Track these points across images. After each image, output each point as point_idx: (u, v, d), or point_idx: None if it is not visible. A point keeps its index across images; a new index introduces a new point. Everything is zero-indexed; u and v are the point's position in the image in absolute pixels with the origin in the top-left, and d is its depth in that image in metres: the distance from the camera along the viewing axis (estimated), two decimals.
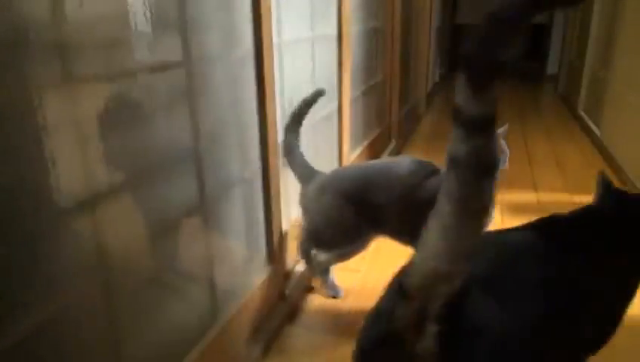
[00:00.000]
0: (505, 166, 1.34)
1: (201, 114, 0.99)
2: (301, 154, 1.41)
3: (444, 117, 4.02)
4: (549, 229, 0.83)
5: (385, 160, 1.39)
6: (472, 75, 0.51)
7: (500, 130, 1.35)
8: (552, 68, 5.71)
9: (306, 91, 1.63)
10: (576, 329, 0.74)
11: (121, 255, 0.79)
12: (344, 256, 1.46)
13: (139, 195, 0.84)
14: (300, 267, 1.56)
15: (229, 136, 1.12)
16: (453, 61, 6.63)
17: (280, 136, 1.39)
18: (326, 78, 1.80)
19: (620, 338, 1.09)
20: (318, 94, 1.39)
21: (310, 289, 1.52)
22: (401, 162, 1.33)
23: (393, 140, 2.98)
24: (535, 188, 2.38)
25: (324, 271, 1.49)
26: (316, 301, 1.48)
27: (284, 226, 1.46)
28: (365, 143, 2.41)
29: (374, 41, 2.48)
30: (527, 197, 2.26)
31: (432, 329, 0.61)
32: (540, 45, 6.60)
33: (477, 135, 0.52)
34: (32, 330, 0.64)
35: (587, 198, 2.40)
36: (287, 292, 1.42)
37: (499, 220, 2.02)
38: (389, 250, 1.76)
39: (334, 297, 1.48)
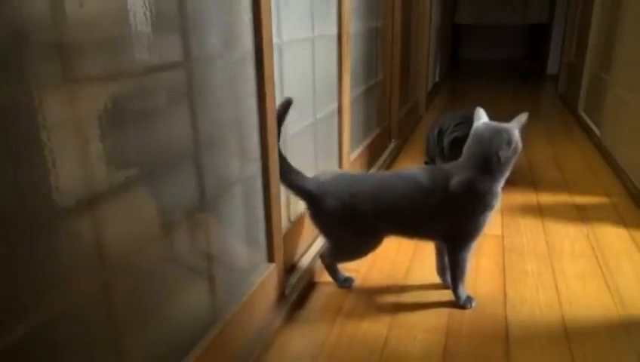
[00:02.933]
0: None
1: (201, 114, 0.99)
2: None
3: None
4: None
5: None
6: None
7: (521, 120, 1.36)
8: (552, 68, 5.71)
9: (306, 91, 1.63)
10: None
11: (121, 254, 0.80)
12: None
13: (139, 195, 0.84)
14: (300, 266, 1.56)
15: (229, 136, 1.12)
16: (454, 61, 6.64)
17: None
18: (326, 78, 1.81)
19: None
20: (287, 105, 1.33)
21: (310, 288, 1.53)
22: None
23: (393, 140, 2.98)
24: (535, 188, 2.38)
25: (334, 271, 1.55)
26: (316, 300, 1.48)
27: (284, 225, 1.46)
28: (365, 143, 2.41)
29: (374, 41, 2.48)
30: (527, 197, 2.26)
31: None
32: (540, 45, 6.61)
33: None
34: (32, 330, 0.64)
35: (587, 198, 2.41)
36: (287, 290, 1.43)
37: (499, 220, 2.02)
38: (389, 250, 1.77)
39: (349, 287, 1.54)
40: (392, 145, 2.93)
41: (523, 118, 1.34)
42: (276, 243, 1.35)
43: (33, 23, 0.62)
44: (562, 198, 2.25)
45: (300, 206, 1.62)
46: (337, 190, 1.42)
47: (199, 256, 1.04)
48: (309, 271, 1.55)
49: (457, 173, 1.34)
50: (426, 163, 2.72)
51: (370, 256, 1.72)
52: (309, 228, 1.69)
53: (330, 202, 1.40)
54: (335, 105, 1.92)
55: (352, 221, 1.41)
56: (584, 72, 3.71)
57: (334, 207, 1.40)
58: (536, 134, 3.35)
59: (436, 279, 1.57)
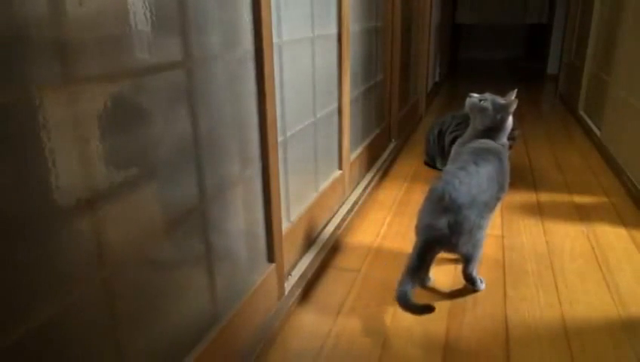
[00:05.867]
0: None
1: (202, 113, 0.99)
2: None
3: None
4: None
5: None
6: None
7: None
8: (552, 68, 5.72)
9: (306, 91, 1.63)
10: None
11: (121, 254, 0.80)
12: None
13: (139, 195, 0.84)
14: (300, 266, 1.56)
15: (229, 136, 1.12)
16: (454, 61, 6.64)
17: (280, 136, 1.40)
18: (326, 78, 1.81)
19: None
20: None
21: (310, 288, 1.53)
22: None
23: (393, 140, 2.98)
24: (535, 188, 2.38)
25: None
26: (316, 299, 1.48)
27: (284, 225, 1.46)
28: (365, 143, 2.41)
29: (374, 41, 2.48)
30: (527, 197, 2.26)
31: None
32: (540, 45, 6.61)
33: None
34: (32, 330, 0.64)
35: (587, 198, 2.41)
36: (287, 290, 1.43)
37: (498, 220, 2.02)
38: (389, 250, 1.77)
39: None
40: (392, 145, 2.93)
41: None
42: (276, 243, 1.35)
43: (33, 22, 0.62)
44: (562, 198, 2.25)
45: (299, 206, 1.62)
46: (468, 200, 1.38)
47: (200, 256, 1.04)
48: (309, 271, 1.55)
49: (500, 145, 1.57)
50: (425, 163, 2.72)
51: (371, 256, 1.72)
52: (309, 228, 1.69)
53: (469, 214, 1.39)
54: (335, 105, 1.92)
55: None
56: (584, 72, 3.71)
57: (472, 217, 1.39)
58: (536, 134, 3.36)
59: (436, 278, 1.57)
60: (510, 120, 1.59)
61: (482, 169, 1.44)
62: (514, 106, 1.57)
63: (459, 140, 1.68)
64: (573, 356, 1.24)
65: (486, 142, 1.55)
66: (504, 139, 1.60)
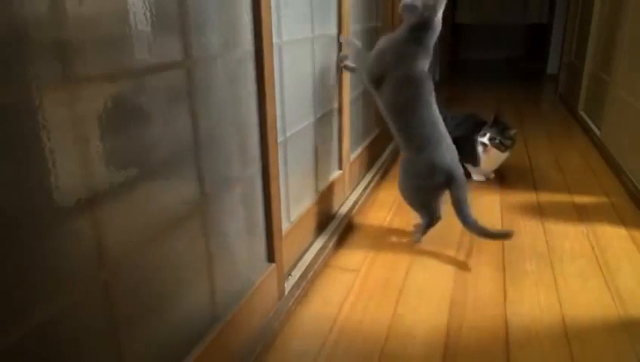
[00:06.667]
0: None
1: (201, 114, 0.99)
2: None
3: None
4: None
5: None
6: None
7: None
8: (552, 68, 5.72)
9: (306, 91, 1.63)
10: None
11: (121, 254, 0.80)
12: None
13: (138, 195, 0.84)
14: (300, 266, 1.56)
15: (229, 136, 1.12)
16: (454, 61, 6.64)
17: (280, 136, 1.40)
18: (326, 78, 1.81)
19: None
20: None
21: (310, 288, 1.53)
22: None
23: (393, 141, 2.98)
24: (535, 188, 2.38)
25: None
26: (316, 300, 1.48)
27: (284, 225, 1.46)
28: (365, 143, 2.41)
29: (374, 41, 2.47)
30: (527, 197, 2.26)
31: None
32: (540, 45, 6.61)
33: None
34: (32, 330, 0.64)
35: (587, 198, 2.40)
36: (287, 290, 1.43)
37: (498, 220, 2.02)
38: (390, 250, 1.77)
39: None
40: (391, 146, 2.93)
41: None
42: (276, 243, 1.35)
43: (33, 22, 0.62)
44: (562, 198, 2.25)
45: (299, 206, 1.62)
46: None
47: (199, 256, 1.04)
48: (309, 271, 1.55)
49: None
50: None
51: (371, 256, 1.72)
52: (309, 228, 1.69)
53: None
54: (335, 105, 1.92)
55: None
56: (584, 72, 3.71)
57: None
58: (536, 134, 3.35)
59: (436, 278, 1.57)
60: (439, 22, 1.75)
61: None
62: (440, 6, 1.73)
63: (385, 36, 1.84)
64: (573, 356, 1.24)
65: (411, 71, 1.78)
66: (433, 41, 1.79)
